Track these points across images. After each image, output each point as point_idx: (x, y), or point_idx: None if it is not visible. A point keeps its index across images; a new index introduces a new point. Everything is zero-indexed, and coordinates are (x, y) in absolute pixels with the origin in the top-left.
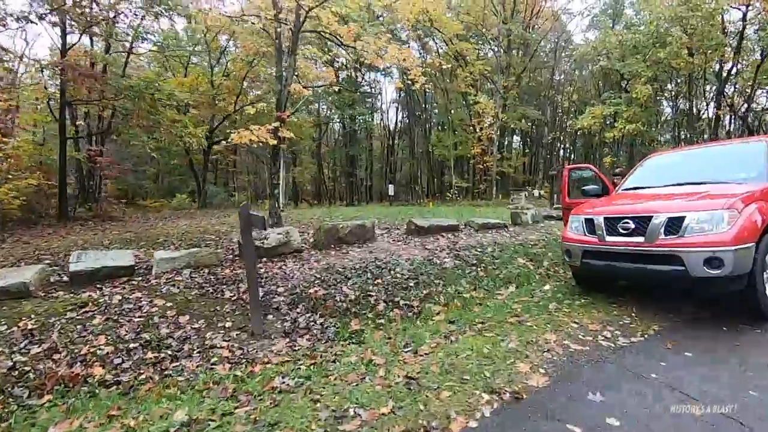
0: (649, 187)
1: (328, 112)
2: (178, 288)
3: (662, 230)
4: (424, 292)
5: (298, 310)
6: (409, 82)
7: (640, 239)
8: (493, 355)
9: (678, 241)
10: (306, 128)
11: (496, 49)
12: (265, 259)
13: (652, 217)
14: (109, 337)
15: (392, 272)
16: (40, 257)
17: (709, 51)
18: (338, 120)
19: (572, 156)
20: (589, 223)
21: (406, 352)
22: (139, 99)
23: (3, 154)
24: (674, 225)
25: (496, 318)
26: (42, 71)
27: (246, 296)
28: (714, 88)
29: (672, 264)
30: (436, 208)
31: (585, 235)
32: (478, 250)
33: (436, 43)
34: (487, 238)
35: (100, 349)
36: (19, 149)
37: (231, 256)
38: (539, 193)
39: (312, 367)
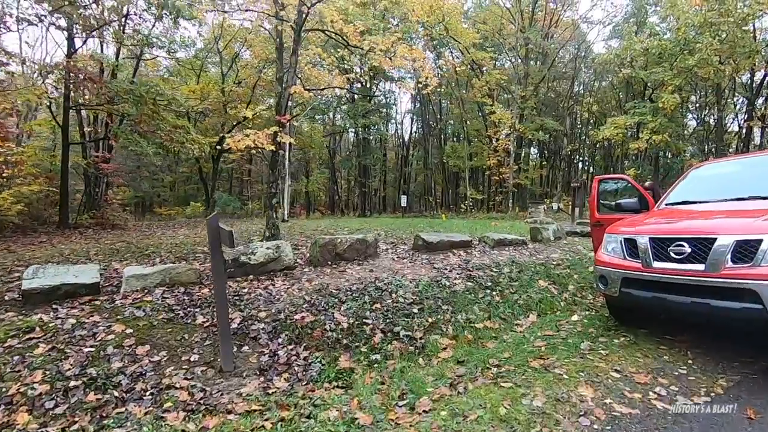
0: (701, 202)
1: (342, 121)
2: (144, 311)
3: (729, 256)
4: (430, 320)
5: (279, 340)
6: (421, 84)
7: (699, 267)
8: (512, 419)
9: (752, 271)
10: (317, 137)
11: (513, 59)
12: (251, 276)
13: (715, 239)
14: (47, 373)
15: (393, 295)
16: (13, 269)
17: (740, 59)
18: (352, 130)
19: (591, 169)
20: (630, 244)
21: (401, 406)
22: (140, 103)
23: (3, 159)
24: (746, 250)
25: (515, 359)
26: (41, 74)
27: None
28: (742, 99)
29: (743, 300)
30: (449, 221)
31: (625, 258)
32: (494, 270)
33: (452, 53)
34: (504, 256)
35: (32, 388)
36: (23, 155)
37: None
38: (558, 206)
39: (280, 425)
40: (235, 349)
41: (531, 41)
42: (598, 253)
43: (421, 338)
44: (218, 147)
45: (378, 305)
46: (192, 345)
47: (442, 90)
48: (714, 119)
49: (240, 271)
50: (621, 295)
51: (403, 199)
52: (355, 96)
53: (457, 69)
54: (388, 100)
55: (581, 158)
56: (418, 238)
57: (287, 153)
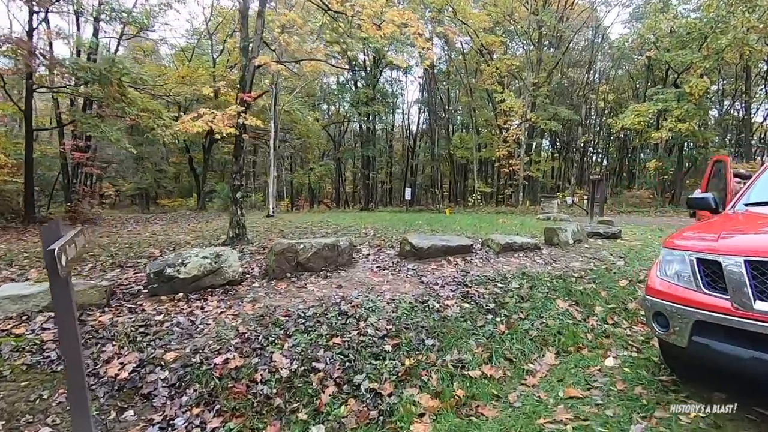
0: None
1: (344, 111)
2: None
3: None
4: (407, 362)
5: (184, 398)
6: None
7: None
8: None
9: None
10: (315, 127)
11: (525, 44)
12: (180, 295)
13: None
14: None
15: (362, 324)
16: None
17: None
18: (355, 119)
19: (605, 161)
20: (709, 267)
21: None
22: (104, 84)
23: None
24: None
25: None
26: None
27: (106, 370)
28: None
29: None
30: (453, 216)
31: (700, 290)
32: (498, 285)
33: (461, 40)
34: (512, 265)
35: None
36: None
37: (139, 287)
38: (572, 200)
39: None
40: (114, 415)
41: (544, 24)
42: (650, 276)
43: (390, 394)
44: (205, 137)
45: (338, 340)
46: (49, 409)
47: (450, 77)
48: (741, 108)
49: (165, 287)
50: (692, 348)
51: (408, 192)
52: (358, 83)
53: (466, 54)
54: (394, 90)
55: (596, 150)
56: (405, 243)
57: (272, 141)
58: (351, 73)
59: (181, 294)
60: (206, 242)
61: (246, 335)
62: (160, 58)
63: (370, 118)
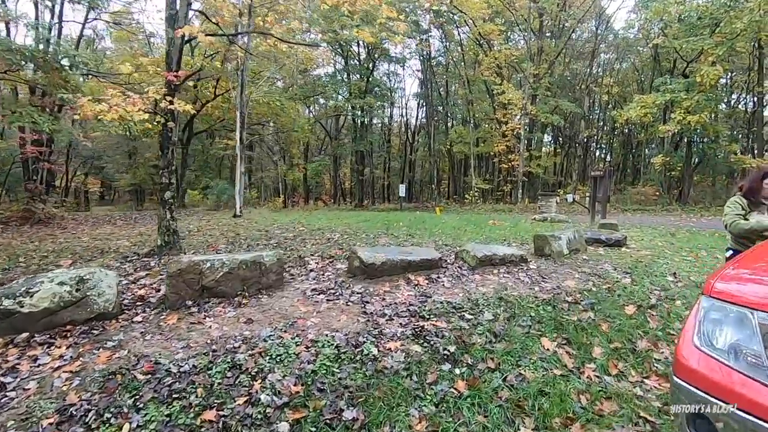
0: None
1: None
2: None
3: None
4: None
5: None
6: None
7: None
8: None
9: None
10: (301, 120)
11: (526, 33)
12: (24, 336)
13: None
14: None
15: (257, 384)
16: None
17: None
18: (348, 113)
19: (608, 156)
20: None
21: None
22: (45, 70)
23: None
24: None
25: None
26: None
27: None
28: None
29: None
30: (441, 216)
31: None
32: (467, 316)
33: (458, 29)
34: (488, 285)
35: None
36: None
37: None
38: (573, 198)
39: None
40: None
41: (545, 12)
42: (682, 343)
43: None
44: (183, 131)
45: (211, 414)
46: None
47: (449, 70)
48: (752, 100)
49: (1, 326)
50: None
51: (402, 189)
52: (351, 75)
53: (463, 45)
54: (392, 83)
55: (599, 145)
56: (353, 257)
57: (237, 133)
58: (344, 63)
59: (24, 335)
60: (143, 250)
61: (71, 410)
62: (155, 51)
63: (364, 112)
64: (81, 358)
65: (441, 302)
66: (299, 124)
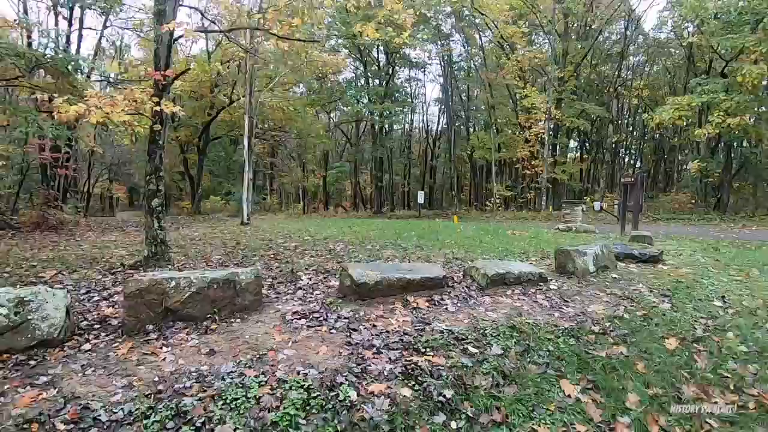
0: None
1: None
2: None
3: None
4: None
5: None
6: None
7: None
8: None
9: None
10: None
11: (551, 35)
12: None
13: None
14: None
15: None
16: None
17: None
18: (367, 119)
19: (638, 162)
20: None
21: None
22: (55, 75)
23: None
24: None
25: None
26: None
27: None
28: None
29: None
30: (456, 225)
31: None
32: (470, 348)
33: (480, 33)
34: (500, 309)
35: None
36: None
37: None
38: (600, 206)
39: None
40: None
41: (571, 13)
42: None
43: None
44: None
45: None
46: None
47: (470, 75)
48: None
49: None
50: None
51: (420, 196)
52: (369, 80)
53: (485, 48)
54: (413, 89)
55: (628, 151)
56: (344, 275)
57: (245, 138)
58: (363, 68)
59: None
60: (130, 261)
61: None
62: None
63: (383, 117)
64: (2, 398)
65: (441, 331)
66: (315, 130)
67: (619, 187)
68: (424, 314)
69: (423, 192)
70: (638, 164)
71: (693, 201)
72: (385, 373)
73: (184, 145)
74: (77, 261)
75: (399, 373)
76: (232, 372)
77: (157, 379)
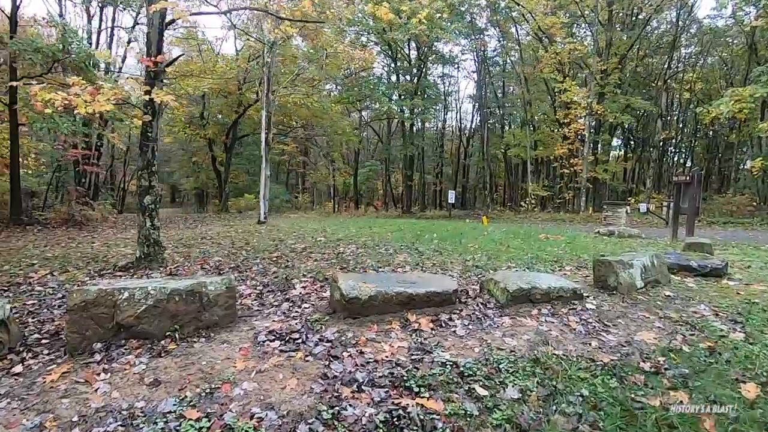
0: None
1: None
2: None
3: None
4: None
5: None
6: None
7: None
8: None
9: None
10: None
11: (592, 26)
12: None
13: None
14: None
15: None
16: None
17: None
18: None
19: (688, 162)
20: None
21: None
22: (76, 70)
23: None
24: None
25: None
26: None
27: None
28: None
29: None
30: (485, 227)
31: None
32: (478, 389)
33: (516, 25)
34: (520, 335)
35: None
36: None
37: None
38: (647, 207)
39: None
40: None
41: (616, 1)
42: None
43: None
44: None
45: None
46: None
47: (506, 71)
48: None
49: None
50: None
51: (451, 195)
52: (400, 76)
53: (521, 42)
54: (446, 86)
55: (678, 148)
56: (334, 287)
57: (263, 135)
58: (393, 65)
59: None
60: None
61: None
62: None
63: (414, 114)
64: None
65: (443, 363)
66: (342, 127)
67: (668, 188)
68: (425, 339)
69: (454, 191)
70: (688, 163)
71: (753, 203)
72: (363, 422)
73: (212, 142)
74: (77, 260)
75: (381, 422)
76: (170, 412)
77: (76, 418)
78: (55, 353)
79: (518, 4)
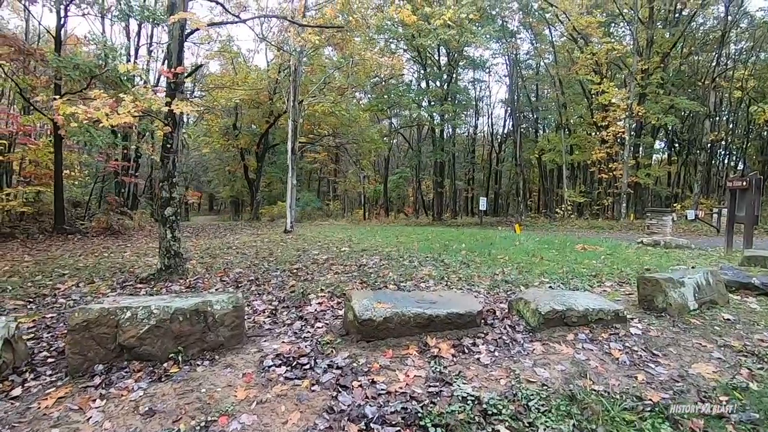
0: None
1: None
2: None
3: None
4: None
5: None
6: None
7: None
8: None
9: None
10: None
11: (631, 24)
12: None
13: None
14: None
15: None
16: None
17: None
18: (426, 123)
19: (740, 165)
20: None
21: None
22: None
23: None
24: None
25: None
26: None
27: None
28: None
29: None
30: (518, 236)
31: None
32: (504, 426)
33: (550, 27)
34: (553, 365)
35: None
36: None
37: None
38: (696, 214)
39: None
40: None
41: None
42: None
43: None
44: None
45: None
46: None
47: (539, 74)
48: None
49: None
50: None
51: (483, 202)
52: (429, 82)
53: (555, 43)
54: (477, 91)
55: (728, 151)
56: (347, 307)
57: (289, 143)
58: (423, 71)
59: None
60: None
61: None
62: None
63: (444, 120)
64: None
65: (464, 397)
66: (370, 135)
67: (718, 192)
68: (444, 367)
69: (486, 198)
70: (740, 166)
71: None
72: None
73: (244, 152)
74: (105, 271)
75: None
76: None
77: None
78: (57, 374)
79: (552, 5)
